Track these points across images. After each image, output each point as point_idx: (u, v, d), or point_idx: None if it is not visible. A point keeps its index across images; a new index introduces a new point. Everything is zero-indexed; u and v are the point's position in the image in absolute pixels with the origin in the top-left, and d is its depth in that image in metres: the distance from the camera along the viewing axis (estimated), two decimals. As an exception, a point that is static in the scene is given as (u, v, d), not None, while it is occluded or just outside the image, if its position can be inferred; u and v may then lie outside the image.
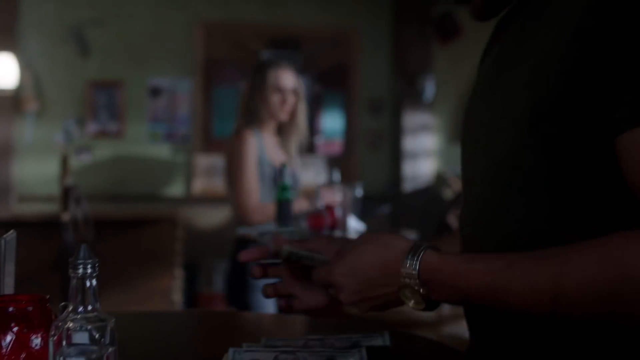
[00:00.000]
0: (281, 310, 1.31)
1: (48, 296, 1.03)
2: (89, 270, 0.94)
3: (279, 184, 3.15)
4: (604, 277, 0.88)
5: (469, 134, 1.20)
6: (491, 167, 1.09)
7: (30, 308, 1.00)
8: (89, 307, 0.93)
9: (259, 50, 6.26)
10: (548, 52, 0.99)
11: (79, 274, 0.94)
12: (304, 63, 6.33)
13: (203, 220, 5.99)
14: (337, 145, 6.44)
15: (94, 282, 0.95)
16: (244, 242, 3.28)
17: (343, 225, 3.11)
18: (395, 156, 6.49)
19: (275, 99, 3.49)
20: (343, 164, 6.46)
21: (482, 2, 1.17)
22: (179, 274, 5.06)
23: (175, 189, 6.12)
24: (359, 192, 3.27)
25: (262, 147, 3.45)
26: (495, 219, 1.08)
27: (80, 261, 0.94)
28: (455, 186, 6.23)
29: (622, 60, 0.91)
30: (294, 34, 6.36)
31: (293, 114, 3.58)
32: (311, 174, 6.30)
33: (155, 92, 6.09)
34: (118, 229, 4.87)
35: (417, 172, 6.42)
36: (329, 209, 3.12)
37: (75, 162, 5.83)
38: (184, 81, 6.14)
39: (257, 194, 3.36)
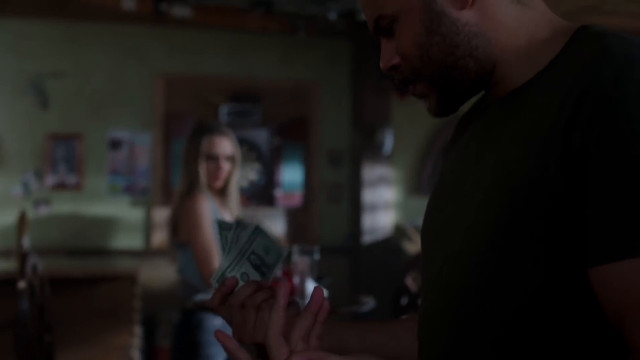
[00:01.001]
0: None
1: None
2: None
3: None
4: None
5: (430, 232, 1.22)
6: (448, 271, 1.11)
7: None
8: None
9: (220, 103, 6.30)
10: (508, 166, 1.02)
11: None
12: (265, 116, 6.39)
13: (161, 273, 5.97)
14: (296, 198, 6.48)
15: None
16: (196, 312, 3.28)
17: (301, 292, 3.12)
18: (355, 208, 6.54)
19: (208, 166, 3.50)
20: (302, 216, 6.50)
21: (436, 103, 1.18)
22: (137, 331, 5.03)
23: (134, 242, 6.10)
24: (317, 255, 3.29)
25: (215, 209, 3.46)
26: (450, 323, 1.10)
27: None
28: (414, 238, 6.29)
29: (584, 190, 0.94)
30: (254, 87, 6.42)
31: (228, 181, 3.59)
32: (269, 227, 6.33)
33: (115, 144, 6.10)
34: (77, 286, 4.83)
35: (376, 224, 6.47)
36: (287, 275, 3.14)
37: (34, 215, 5.80)
38: (144, 134, 6.15)
39: (217, 257, 3.36)
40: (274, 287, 1.22)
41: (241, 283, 1.25)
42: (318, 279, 3.31)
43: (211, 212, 3.42)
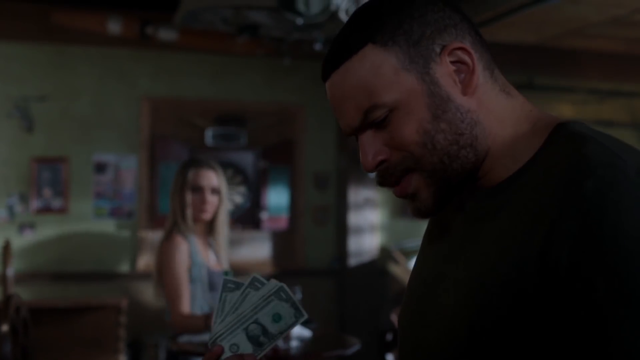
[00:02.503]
0: None
1: None
2: None
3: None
4: None
5: (406, 328, 1.20)
6: None
7: None
8: None
9: (205, 126, 6.30)
10: (484, 275, 1.01)
11: None
12: (250, 139, 6.39)
13: (147, 297, 5.96)
14: (282, 220, 6.48)
15: None
16: (181, 354, 3.28)
17: (286, 335, 3.12)
18: (341, 231, 6.55)
19: (193, 198, 3.50)
20: (288, 239, 6.50)
21: (430, 199, 1.10)
22: (122, 360, 5.03)
23: (121, 265, 6.09)
24: (298, 295, 3.29)
25: (195, 251, 3.46)
26: None
27: None
28: (400, 260, 6.31)
29: (565, 308, 0.92)
30: (240, 110, 6.42)
31: (215, 214, 3.59)
32: (255, 250, 6.33)
33: (100, 167, 6.08)
34: (61, 315, 4.82)
35: (362, 246, 6.48)
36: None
37: (18, 239, 5.78)
38: (129, 157, 6.14)
39: (188, 303, 3.36)
40: None
41: (228, 354, 1.22)
42: (303, 322, 3.31)
43: (187, 254, 3.43)
